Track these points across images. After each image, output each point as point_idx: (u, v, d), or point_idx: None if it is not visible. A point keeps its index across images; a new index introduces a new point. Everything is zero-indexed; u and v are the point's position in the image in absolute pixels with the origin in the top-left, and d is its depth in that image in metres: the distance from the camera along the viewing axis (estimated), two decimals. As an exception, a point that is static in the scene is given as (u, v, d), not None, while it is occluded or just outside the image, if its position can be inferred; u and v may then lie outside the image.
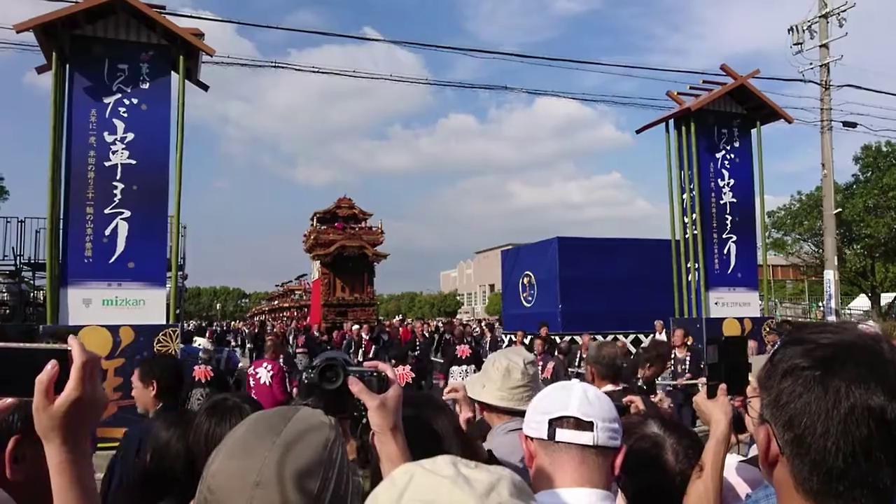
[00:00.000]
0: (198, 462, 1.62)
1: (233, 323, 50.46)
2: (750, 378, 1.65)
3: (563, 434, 1.34)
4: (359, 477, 0.99)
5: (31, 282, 17.08)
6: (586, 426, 1.34)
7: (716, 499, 1.56)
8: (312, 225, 25.51)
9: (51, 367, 1.01)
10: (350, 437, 1.52)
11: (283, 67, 16.14)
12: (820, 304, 28.95)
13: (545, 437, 1.36)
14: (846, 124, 18.70)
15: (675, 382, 8.78)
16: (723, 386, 1.71)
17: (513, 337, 14.38)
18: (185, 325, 21.86)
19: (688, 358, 9.10)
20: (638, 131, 12.60)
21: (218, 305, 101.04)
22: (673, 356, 9.27)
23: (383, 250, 25.47)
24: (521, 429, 1.56)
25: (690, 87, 11.83)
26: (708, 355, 1.76)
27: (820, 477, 0.83)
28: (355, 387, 1.29)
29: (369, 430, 1.30)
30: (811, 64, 18.85)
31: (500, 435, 2.11)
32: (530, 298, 17.92)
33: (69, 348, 1.04)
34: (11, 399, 1.21)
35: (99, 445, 5.45)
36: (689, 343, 9.41)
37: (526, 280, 18.17)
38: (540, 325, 13.83)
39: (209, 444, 1.64)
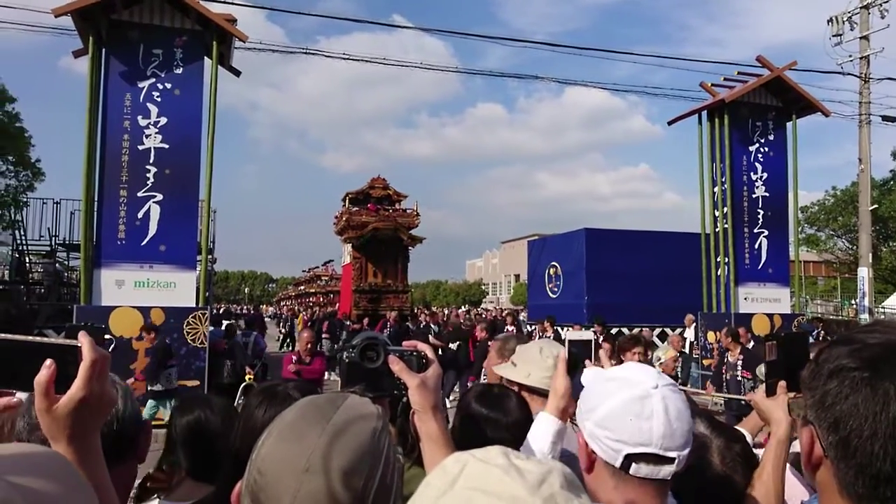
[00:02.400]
0: (241, 444, 1.65)
1: (261, 306, 50.95)
2: None
3: (639, 469, 1.21)
4: (399, 455, 1.00)
5: (66, 262, 17.43)
6: (667, 461, 1.20)
7: (777, 502, 1.51)
8: (344, 206, 23.76)
9: (47, 367, 0.96)
10: (388, 414, 1.53)
11: (313, 54, 16.14)
12: (853, 301, 28.40)
13: (616, 466, 1.22)
14: (885, 118, 18.23)
15: (738, 397, 8.03)
16: (782, 383, 1.67)
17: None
18: (215, 308, 22.16)
19: (739, 362, 8.16)
20: (670, 123, 12.43)
21: (246, 289, 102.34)
22: (725, 361, 8.67)
23: (418, 234, 23.61)
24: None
25: (725, 79, 11.62)
26: (767, 352, 1.72)
27: (866, 481, 0.80)
28: (396, 366, 1.30)
29: (409, 408, 1.32)
30: (850, 56, 18.39)
31: None
32: (556, 290, 17.83)
33: (78, 345, 0.99)
34: (22, 395, 1.17)
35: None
36: (743, 342, 8.53)
37: (552, 271, 18.08)
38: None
39: (256, 427, 1.66)
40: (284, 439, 0.88)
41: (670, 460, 1.20)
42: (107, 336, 3.37)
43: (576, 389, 1.61)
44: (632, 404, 1.22)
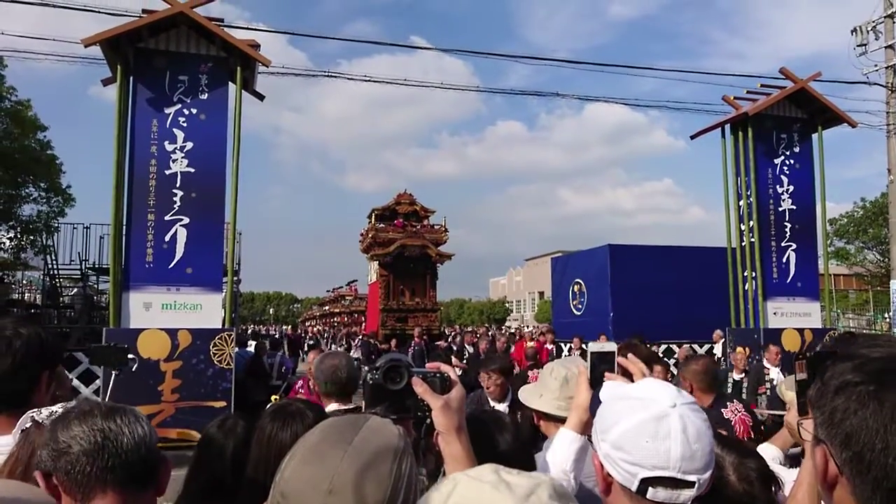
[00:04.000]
0: (259, 465, 1.66)
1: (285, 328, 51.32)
2: None
3: (656, 494, 1.15)
4: (423, 477, 1.00)
5: (97, 286, 17.72)
6: (686, 485, 1.15)
7: None
8: (370, 222, 23.08)
9: None
10: (412, 436, 1.53)
11: (335, 77, 16.43)
12: (886, 315, 27.80)
13: (633, 490, 1.17)
14: (914, 128, 17.94)
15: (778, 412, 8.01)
16: None
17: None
18: (241, 329, 22.26)
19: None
20: (693, 137, 12.33)
21: (271, 310, 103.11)
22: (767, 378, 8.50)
23: (447, 250, 22.71)
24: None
25: (748, 92, 11.53)
26: (797, 370, 1.68)
27: (883, 496, 0.79)
28: (419, 387, 1.31)
29: (433, 430, 1.32)
30: (876, 66, 18.18)
31: None
32: (580, 306, 17.72)
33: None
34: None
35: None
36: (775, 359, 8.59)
37: (576, 288, 17.98)
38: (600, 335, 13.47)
39: (271, 447, 1.68)
40: (307, 462, 0.89)
41: (690, 484, 1.14)
42: (130, 356, 3.42)
43: (595, 404, 1.58)
44: (648, 425, 1.17)
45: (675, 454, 1.14)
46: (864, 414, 0.81)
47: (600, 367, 1.69)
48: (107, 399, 5.56)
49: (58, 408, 1.61)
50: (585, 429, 1.62)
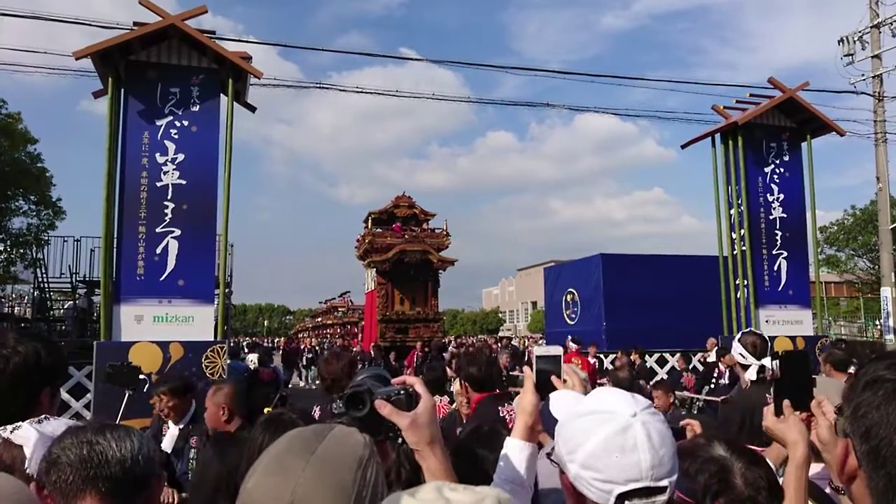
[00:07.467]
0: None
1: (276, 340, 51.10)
2: (815, 394, 1.58)
3: None
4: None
5: (89, 298, 17.60)
6: (659, 491, 1.15)
7: None
8: (367, 227, 21.71)
9: None
10: (390, 457, 1.51)
11: (327, 88, 16.42)
12: (877, 322, 27.94)
13: None
14: (902, 136, 18.14)
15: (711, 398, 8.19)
16: (787, 402, 1.63)
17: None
18: (232, 341, 22.08)
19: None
20: (683, 146, 12.41)
21: (264, 322, 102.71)
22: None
23: (449, 255, 21.27)
24: None
25: (737, 101, 11.62)
26: (774, 371, 1.70)
27: None
28: (384, 409, 1.28)
29: (407, 446, 1.30)
30: (863, 75, 18.38)
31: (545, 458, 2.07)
32: (573, 316, 17.74)
33: None
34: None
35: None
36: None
37: (569, 297, 18.00)
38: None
39: None
40: (270, 473, 0.88)
41: (662, 490, 1.14)
42: (141, 376, 3.41)
43: (546, 416, 1.54)
44: (614, 439, 1.15)
45: (646, 464, 1.13)
46: (886, 409, 0.81)
47: (546, 371, 1.66)
48: (94, 409, 5.48)
49: (26, 424, 1.62)
50: (532, 435, 1.58)
